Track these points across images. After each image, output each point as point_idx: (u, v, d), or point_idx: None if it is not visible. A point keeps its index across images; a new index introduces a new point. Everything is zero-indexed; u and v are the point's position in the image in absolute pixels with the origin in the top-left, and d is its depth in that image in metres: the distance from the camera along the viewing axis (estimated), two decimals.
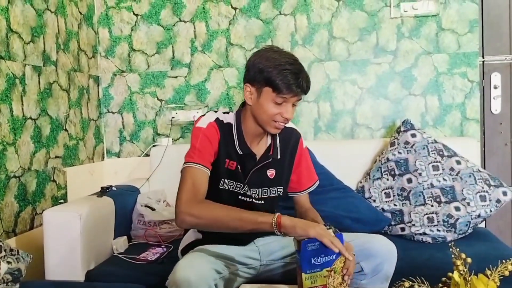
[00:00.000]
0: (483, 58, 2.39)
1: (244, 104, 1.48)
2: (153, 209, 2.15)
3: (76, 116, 2.30)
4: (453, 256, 1.22)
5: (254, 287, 1.41)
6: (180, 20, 2.52)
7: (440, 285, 1.26)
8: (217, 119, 1.44)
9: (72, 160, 2.25)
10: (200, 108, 2.51)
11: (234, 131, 1.45)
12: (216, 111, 1.49)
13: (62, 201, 2.14)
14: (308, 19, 2.44)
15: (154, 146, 2.47)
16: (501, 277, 1.18)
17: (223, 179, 1.44)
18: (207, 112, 1.49)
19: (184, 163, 1.39)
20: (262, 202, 1.50)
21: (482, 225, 2.11)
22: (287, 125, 1.46)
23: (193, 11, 2.50)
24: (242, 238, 1.48)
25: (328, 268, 1.14)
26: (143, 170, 2.47)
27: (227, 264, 1.37)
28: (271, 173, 1.50)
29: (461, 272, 1.18)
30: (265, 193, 1.50)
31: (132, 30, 2.55)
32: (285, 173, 1.53)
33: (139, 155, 2.58)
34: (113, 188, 2.08)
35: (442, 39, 2.36)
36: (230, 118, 1.47)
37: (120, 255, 1.89)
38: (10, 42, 1.81)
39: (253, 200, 1.48)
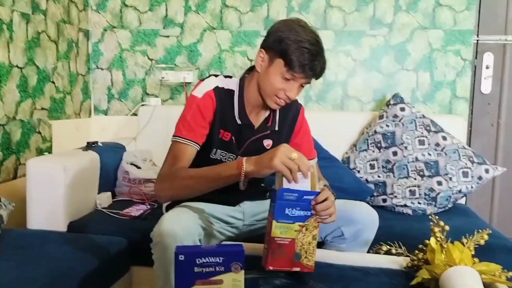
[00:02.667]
0: (477, 37, 2.38)
1: (250, 69, 1.44)
2: (138, 167, 2.14)
3: (64, 69, 2.25)
4: (431, 223, 1.25)
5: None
6: None
7: (417, 251, 1.30)
8: (216, 88, 1.39)
9: (58, 113, 2.22)
10: (191, 70, 2.48)
11: (236, 99, 1.40)
12: (217, 75, 1.44)
13: (46, 153, 2.12)
14: None
15: (142, 105, 2.44)
16: (476, 246, 1.22)
17: (215, 149, 1.41)
18: (208, 76, 1.44)
19: (173, 135, 1.37)
20: None
21: (462, 201, 2.16)
22: None
23: None
24: (229, 200, 1.48)
25: (301, 223, 1.11)
26: (131, 129, 2.45)
27: (212, 221, 1.38)
28: (267, 143, 1.46)
29: (438, 239, 1.21)
30: None
31: None
32: (282, 143, 1.52)
33: (126, 113, 2.55)
34: (99, 144, 2.06)
35: (439, 14, 2.34)
36: (232, 84, 1.42)
37: (103, 210, 1.89)
38: None
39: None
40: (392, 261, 1.34)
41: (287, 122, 1.51)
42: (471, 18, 2.32)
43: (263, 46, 1.36)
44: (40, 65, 2.05)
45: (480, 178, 1.94)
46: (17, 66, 1.89)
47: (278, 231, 1.08)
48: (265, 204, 1.50)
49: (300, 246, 1.12)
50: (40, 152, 2.08)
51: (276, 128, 1.47)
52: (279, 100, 1.35)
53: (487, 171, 1.95)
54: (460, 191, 1.93)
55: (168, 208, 1.53)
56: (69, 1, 2.28)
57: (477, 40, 2.39)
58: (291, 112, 1.51)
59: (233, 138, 1.42)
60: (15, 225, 1.71)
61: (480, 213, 2.29)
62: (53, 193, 1.69)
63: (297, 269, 1.12)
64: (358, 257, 1.39)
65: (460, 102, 2.37)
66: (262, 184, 1.59)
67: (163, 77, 2.47)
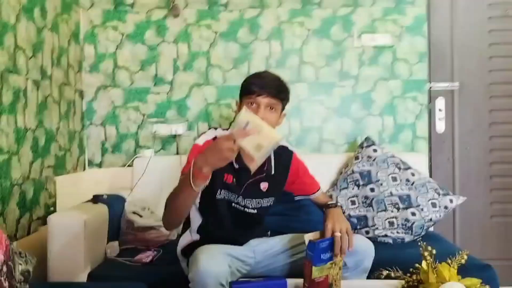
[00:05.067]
0: (430, 84, 2.78)
1: None
2: (140, 216, 2.29)
3: (64, 127, 2.40)
4: (421, 249, 1.51)
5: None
6: (164, 41, 2.70)
7: (409, 274, 1.55)
8: (215, 137, 1.62)
9: (61, 170, 2.34)
10: (181, 123, 2.69)
11: None
12: (216, 128, 1.69)
13: (52, 208, 2.22)
14: (281, 45, 2.72)
15: (137, 157, 2.61)
16: (459, 265, 1.48)
17: (220, 189, 1.62)
18: (209, 129, 1.68)
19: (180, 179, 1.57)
20: (255, 211, 1.70)
21: (432, 228, 2.46)
22: (280, 143, 1.66)
23: (176, 33, 2.69)
24: (239, 239, 1.69)
25: (331, 262, 1.38)
26: (125, 180, 2.59)
27: (232, 261, 1.55)
28: (264, 186, 1.69)
29: (428, 261, 1.47)
30: (258, 203, 1.70)
31: (117, 48, 2.69)
32: (277, 186, 1.74)
33: (121, 165, 2.70)
34: (105, 197, 2.20)
35: (397, 67, 2.73)
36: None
37: (116, 258, 2.01)
38: (16, 57, 1.91)
39: (245, 209, 1.68)
40: (389, 284, 1.58)
41: (280, 167, 1.75)
42: (423, 69, 2.73)
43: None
44: (47, 126, 2.20)
45: (446, 207, 2.26)
46: (30, 129, 2.03)
47: (316, 273, 1.34)
48: (269, 242, 1.72)
49: (331, 278, 1.37)
50: (47, 207, 2.18)
51: (272, 172, 1.71)
52: None
53: (451, 200, 2.27)
54: (431, 220, 2.23)
55: (185, 252, 1.71)
56: (68, 65, 2.45)
57: (430, 87, 2.78)
58: (282, 157, 1.76)
59: (234, 180, 1.64)
60: (32, 279, 1.79)
61: (446, 237, 2.60)
62: (74, 245, 1.81)
63: None
64: (360, 284, 1.63)
65: (420, 141, 2.73)
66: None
67: (155, 130, 2.66)
